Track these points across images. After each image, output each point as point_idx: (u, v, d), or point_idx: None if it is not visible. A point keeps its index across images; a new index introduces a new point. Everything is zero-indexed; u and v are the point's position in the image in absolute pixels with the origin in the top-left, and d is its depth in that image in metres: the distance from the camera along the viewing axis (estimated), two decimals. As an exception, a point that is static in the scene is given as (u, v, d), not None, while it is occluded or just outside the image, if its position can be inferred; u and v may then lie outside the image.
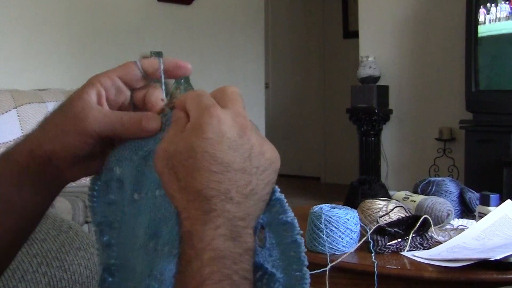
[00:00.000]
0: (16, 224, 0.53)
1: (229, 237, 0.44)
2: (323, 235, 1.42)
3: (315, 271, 1.35)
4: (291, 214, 0.48)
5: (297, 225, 0.48)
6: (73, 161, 0.52)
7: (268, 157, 0.47)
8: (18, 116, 3.02)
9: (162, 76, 0.53)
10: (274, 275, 0.48)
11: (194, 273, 0.43)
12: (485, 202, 1.64)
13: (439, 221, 1.63)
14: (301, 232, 0.48)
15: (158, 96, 0.54)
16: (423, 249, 1.45)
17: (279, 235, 0.48)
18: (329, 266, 1.35)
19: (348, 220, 1.43)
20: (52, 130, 0.51)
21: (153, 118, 0.51)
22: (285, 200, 0.48)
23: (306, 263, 0.47)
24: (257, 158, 0.46)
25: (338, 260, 1.38)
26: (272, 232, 0.48)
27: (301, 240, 0.48)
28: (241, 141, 0.46)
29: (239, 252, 0.44)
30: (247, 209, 0.45)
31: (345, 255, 1.42)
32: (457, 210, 1.78)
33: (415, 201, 1.72)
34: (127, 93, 0.54)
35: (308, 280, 0.47)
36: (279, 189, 0.49)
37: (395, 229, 1.45)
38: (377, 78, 4.02)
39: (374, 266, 1.33)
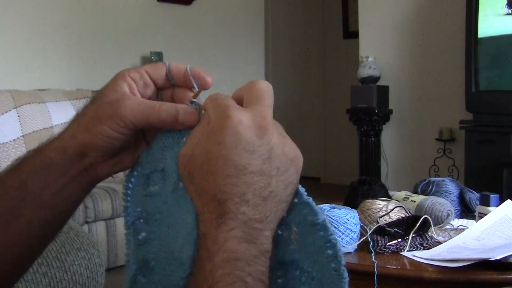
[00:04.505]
0: (46, 220, 0.53)
1: (244, 239, 0.43)
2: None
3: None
4: (321, 216, 0.47)
5: (329, 225, 0.47)
6: (108, 153, 0.51)
7: (290, 157, 0.46)
8: (18, 116, 3.02)
9: (192, 80, 0.53)
10: (311, 273, 0.48)
11: (206, 275, 0.42)
12: (485, 202, 1.64)
13: (439, 221, 1.63)
14: (334, 233, 0.47)
15: (185, 93, 0.53)
16: (423, 249, 1.45)
17: (312, 235, 0.47)
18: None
19: (348, 220, 1.43)
20: (86, 120, 0.51)
21: (190, 112, 0.50)
22: (313, 203, 0.48)
23: (343, 262, 0.47)
24: (278, 159, 0.45)
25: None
26: (306, 233, 0.48)
27: (335, 241, 0.47)
28: (259, 142, 0.45)
29: (254, 254, 0.43)
30: (265, 211, 0.44)
31: (345, 255, 1.42)
32: (457, 210, 1.78)
33: (415, 201, 1.72)
34: (154, 88, 0.54)
35: (347, 279, 0.47)
36: (306, 192, 0.48)
37: (395, 229, 1.45)
38: (377, 78, 4.02)
39: (374, 266, 1.33)
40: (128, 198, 0.52)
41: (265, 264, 0.44)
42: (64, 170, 0.51)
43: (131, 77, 0.52)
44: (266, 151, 0.45)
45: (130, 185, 0.52)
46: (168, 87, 0.54)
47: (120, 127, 0.50)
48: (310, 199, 0.48)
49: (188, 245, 0.48)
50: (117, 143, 0.51)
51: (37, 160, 0.52)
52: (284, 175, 0.46)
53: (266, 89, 0.48)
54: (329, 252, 0.47)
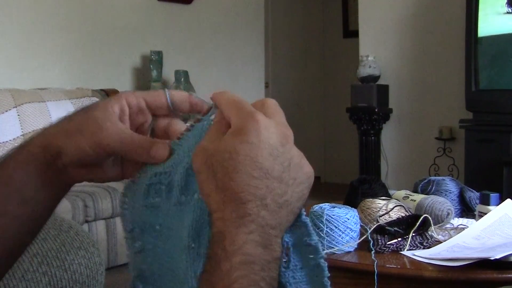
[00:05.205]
0: (29, 217, 0.53)
1: (260, 244, 0.43)
2: (323, 234, 1.42)
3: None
4: (315, 238, 0.48)
5: (320, 249, 0.48)
6: (80, 163, 0.53)
7: (305, 171, 0.47)
8: (18, 115, 3.02)
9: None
10: None
11: (222, 274, 0.42)
12: (485, 201, 1.64)
13: (439, 220, 1.63)
14: (325, 256, 0.48)
15: (181, 127, 0.55)
16: (423, 248, 1.45)
17: (303, 257, 0.48)
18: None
19: (348, 219, 1.43)
20: (68, 127, 0.53)
21: (162, 147, 0.52)
22: (310, 224, 0.48)
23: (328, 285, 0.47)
24: (295, 170, 0.47)
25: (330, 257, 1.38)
26: (297, 254, 0.48)
27: (324, 264, 0.48)
28: (282, 149, 0.46)
29: (268, 260, 0.44)
30: (279, 219, 0.45)
31: (345, 255, 1.42)
32: (457, 209, 1.78)
33: (415, 200, 1.72)
34: (148, 116, 0.56)
35: None
36: (304, 213, 0.49)
37: (395, 228, 1.46)
38: (377, 77, 4.02)
39: (374, 266, 1.34)
40: (126, 206, 0.53)
41: (276, 271, 0.44)
42: (45, 167, 0.53)
43: (127, 101, 0.54)
44: (287, 159, 0.46)
45: (126, 199, 0.54)
46: (165, 116, 0.56)
47: (96, 147, 0.52)
48: (308, 220, 0.49)
49: (184, 257, 0.49)
50: (89, 158, 0.53)
51: (22, 156, 0.53)
52: (299, 187, 0.47)
53: (278, 105, 0.50)
54: (316, 276, 0.48)
